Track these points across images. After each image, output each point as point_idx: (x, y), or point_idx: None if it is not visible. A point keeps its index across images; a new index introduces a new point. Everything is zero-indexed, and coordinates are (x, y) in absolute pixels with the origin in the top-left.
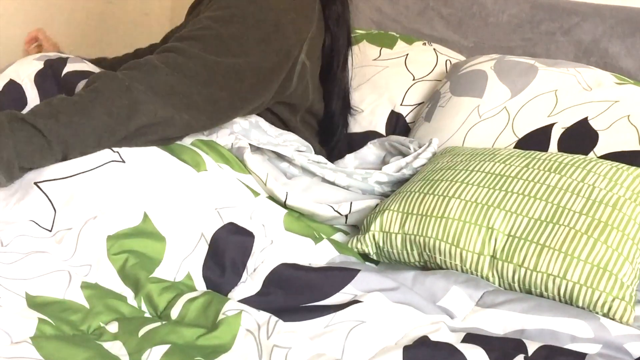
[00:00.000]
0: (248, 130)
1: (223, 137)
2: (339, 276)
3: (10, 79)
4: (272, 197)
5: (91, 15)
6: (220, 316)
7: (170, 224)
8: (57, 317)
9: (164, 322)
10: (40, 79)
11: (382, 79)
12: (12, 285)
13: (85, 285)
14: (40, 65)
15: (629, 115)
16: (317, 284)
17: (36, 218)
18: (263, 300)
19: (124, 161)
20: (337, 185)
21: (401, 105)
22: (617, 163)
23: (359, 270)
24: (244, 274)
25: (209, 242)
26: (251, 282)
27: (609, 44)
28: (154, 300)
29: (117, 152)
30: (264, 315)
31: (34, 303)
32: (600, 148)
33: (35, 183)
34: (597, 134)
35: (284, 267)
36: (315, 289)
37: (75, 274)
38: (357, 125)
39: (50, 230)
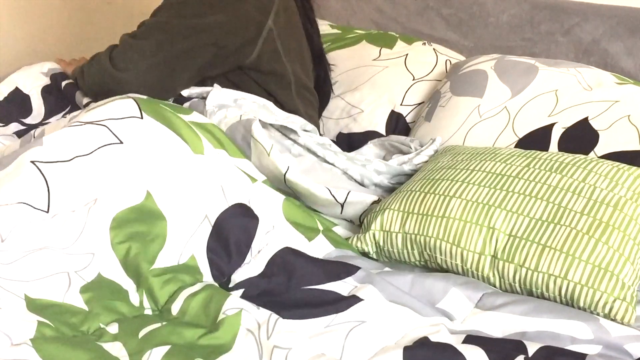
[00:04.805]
0: (256, 111)
1: (233, 113)
2: (340, 267)
3: (17, 87)
4: (268, 183)
5: (91, 16)
6: (221, 315)
7: (172, 203)
8: (56, 320)
9: (164, 323)
10: (46, 93)
11: (382, 79)
12: (11, 286)
13: (85, 289)
14: (47, 80)
15: (629, 115)
16: (319, 269)
17: (27, 199)
18: (265, 281)
19: (121, 142)
20: (337, 167)
21: (401, 105)
22: (618, 163)
23: (359, 268)
24: (248, 256)
25: (212, 223)
26: (255, 263)
27: (609, 44)
28: (155, 294)
29: (114, 134)
30: (263, 314)
31: (34, 305)
32: (601, 148)
33: (32, 162)
34: (597, 134)
35: (288, 250)
36: (316, 274)
37: (75, 273)
38: (357, 125)
39: (47, 212)
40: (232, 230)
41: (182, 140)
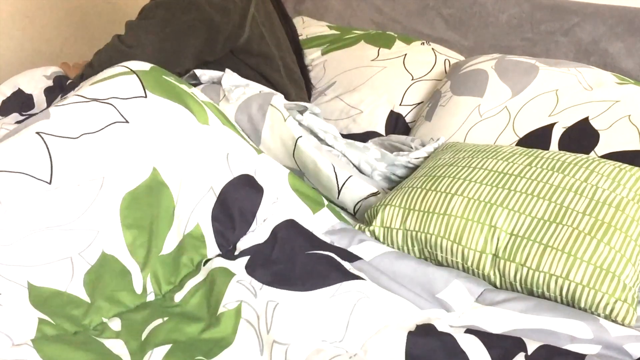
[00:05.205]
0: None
1: (251, 91)
2: (341, 251)
3: (19, 89)
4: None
5: (90, 15)
6: (221, 309)
7: (178, 176)
8: (58, 314)
9: (165, 319)
10: (48, 92)
11: (381, 80)
12: (13, 274)
13: (88, 278)
14: (50, 82)
15: (629, 115)
16: (321, 243)
17: (28, 169)
18: (270, 247)
19: (127, 121)
20: (336, 149)
21: (400, 105)
22: (620, 163)
23: (359, 258)
24: (254, 224)
25: (217, 194)
26: (260, 230)
27: (609, 44)
28: (159, 278)
29: (120, 113)
30: (262, 302)
31: (37, 294)
32: (601, 148)
33: (38, 133)
34: (597, 133)
35: (292, 223)
36: (317, 245)
37: (78, 255)
38: (356, 126)
39: (50, 183)
40: (237, 200)
41: (187, 110)
